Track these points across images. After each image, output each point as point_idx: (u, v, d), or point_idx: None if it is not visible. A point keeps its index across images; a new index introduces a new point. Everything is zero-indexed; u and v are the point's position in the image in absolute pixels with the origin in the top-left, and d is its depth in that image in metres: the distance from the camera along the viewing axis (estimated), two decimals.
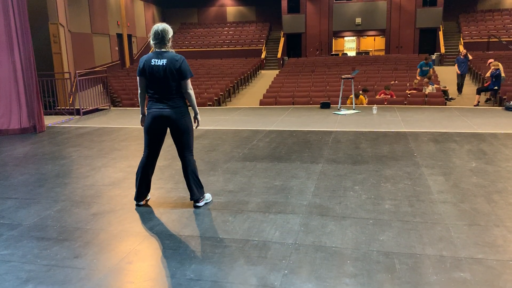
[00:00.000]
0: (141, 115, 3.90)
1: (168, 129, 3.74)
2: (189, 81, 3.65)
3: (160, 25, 3.61)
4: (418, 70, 14.17)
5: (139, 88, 3.75)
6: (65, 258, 2.93)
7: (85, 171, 5.10)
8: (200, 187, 3.83)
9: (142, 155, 3.83)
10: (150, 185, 3.93)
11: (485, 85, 12.74)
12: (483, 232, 3.16)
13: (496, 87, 11.96)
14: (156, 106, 3.64)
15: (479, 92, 12.45)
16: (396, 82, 13.16)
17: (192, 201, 3.86)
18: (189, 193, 3.83)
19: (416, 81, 13.14)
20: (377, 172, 4.73)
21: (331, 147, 5.93)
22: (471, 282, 2.51)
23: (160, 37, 3.58)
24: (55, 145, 6.68)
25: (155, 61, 3.57)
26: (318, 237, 3.14)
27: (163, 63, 3.56)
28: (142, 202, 3.93)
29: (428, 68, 13.94)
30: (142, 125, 3.85)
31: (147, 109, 3.74)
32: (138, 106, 3.79)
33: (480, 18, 24.81)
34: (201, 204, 3.84)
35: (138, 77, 3.70)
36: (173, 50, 3.68)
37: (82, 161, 5.60)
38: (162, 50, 3.62)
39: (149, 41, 3.71)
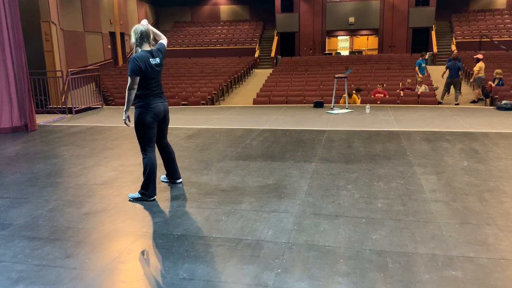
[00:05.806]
0: (128, 114, 3.85)
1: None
2: None
3: (143, 26, 3.76)
4: (417, 68, 14.03)
5: (134, 88, 3.72)
6: (56, 258, 2.91)
7: (77, 170, 5.06)
8: None
9: (149, 152, 3.90)
10: None
11: (489, 89, 12.85)
12: (474, 231, 3.18)
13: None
14: (158, 101, 3.86)
15: (487, 96, 12.47)
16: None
17: (175, 182, 4.39)
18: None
19: (409, 80, 13.18)
20: (370, 171, 4.74)
21: (324, 146, 5.94)
22: (462, 280, 2.53)
23: (148, 36, 3.77)
24: (47, 144, 6.63)
25: (152, 60, 3.77)
26: (311, 236, 3.14)
27: (158, 61, 3.83)
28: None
29: (425, 65, 13.96)
30: (128, 124, 3.86)
31: (147, 105, 3.79)
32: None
33: (472, 18, 24.98)
34: (180, 180, 4.42)
35: (134, 77, 3.67)
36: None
37: (74, 160, 5.57)
38: (151, 49, 3.81)
39: (133, 41, 3.76)
